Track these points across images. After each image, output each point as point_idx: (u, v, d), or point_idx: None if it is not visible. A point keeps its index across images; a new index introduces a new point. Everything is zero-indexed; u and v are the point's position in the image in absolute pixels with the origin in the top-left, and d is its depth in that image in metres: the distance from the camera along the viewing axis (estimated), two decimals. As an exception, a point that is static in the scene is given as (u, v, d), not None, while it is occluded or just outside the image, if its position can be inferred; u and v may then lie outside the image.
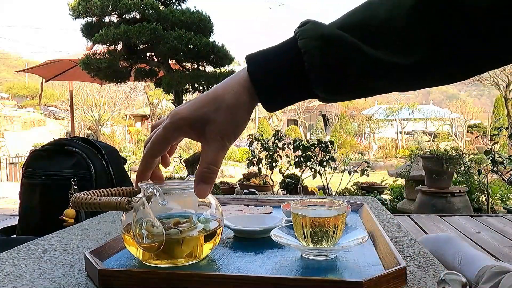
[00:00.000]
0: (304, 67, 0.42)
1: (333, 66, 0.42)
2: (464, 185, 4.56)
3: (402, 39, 0.39)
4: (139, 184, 0.57)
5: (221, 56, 3.82)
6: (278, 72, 0.44)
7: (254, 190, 4.96)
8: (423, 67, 0.40)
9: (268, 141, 4.61)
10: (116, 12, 3.72)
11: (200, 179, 0.48)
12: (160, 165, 0.58)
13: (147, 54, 3.89)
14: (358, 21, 0.42)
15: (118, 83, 3.97)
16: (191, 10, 3.79)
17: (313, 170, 4.29)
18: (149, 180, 0.55)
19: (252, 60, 0.46)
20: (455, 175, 4.49)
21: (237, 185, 5.77)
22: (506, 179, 4.01)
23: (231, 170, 10.07)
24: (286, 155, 5.15)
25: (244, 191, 5.11)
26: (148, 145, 0.50)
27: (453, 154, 4.21)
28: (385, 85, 0.43)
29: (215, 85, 0.48)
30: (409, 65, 0.39)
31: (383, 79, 0.42)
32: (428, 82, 0.43)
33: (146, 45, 3.72)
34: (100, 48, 3.80)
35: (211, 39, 3.81)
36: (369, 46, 0.40)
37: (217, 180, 6.36)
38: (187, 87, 3.85)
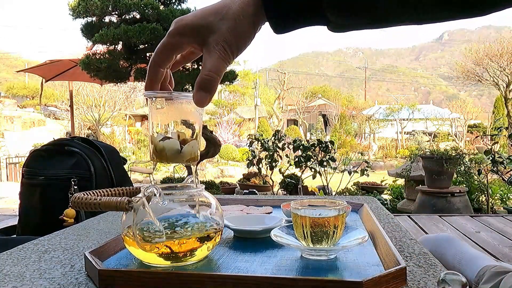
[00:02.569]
0: None
1: None
2: (464, 185, 4.56)
3: None
4: (144, 93, 0.55)
5: (221, 56, 3.82)
6: None
7: (254, 190, 4.96)
8: None
9: (268, 141, 4.61)
10: (116, 12, 3.72)
11: (200, 86, 0.46)
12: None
13: (147, 54, 3.89)
14: None
15: (118, 83, 3.97)
16: (191, 10, 3.80)
17: (313, 170, 4.29)
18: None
19: None
20: (455, 175, 4.49)
21: (237, 185, 5.77)
22: (506, 179, 4.01)
23: (231, 170, 10.07)
24: (286, 155, 5.15)
25: (244, 191, 5.11)
26: (153, 53, 0.49)
27: (453, 154, 4.21)
28: (393, 12, 0.41)
29: None
30: None
31: (391, 4, 0.40)
32: (440, 8, 0.40)
33: (146, 45, 3.71)
34: (100, 48, 3.80)
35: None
36: None
37: (217, 180, 6.36)
38: (187, 87, 3.85)
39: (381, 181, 5.80)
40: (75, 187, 1.40)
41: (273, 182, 4.89)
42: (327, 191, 4.61)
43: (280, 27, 0.44)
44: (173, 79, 0.55)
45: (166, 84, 0.54)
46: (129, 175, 1.83)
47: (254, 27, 0.45)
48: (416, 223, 3.44)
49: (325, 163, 4.25)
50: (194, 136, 0.61)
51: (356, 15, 0.42)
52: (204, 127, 4.00)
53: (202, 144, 0.63)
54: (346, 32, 0.45)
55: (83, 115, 14.16)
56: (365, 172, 4.38)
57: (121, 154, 1.77)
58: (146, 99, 0.56)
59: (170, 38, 0.47)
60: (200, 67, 0.47)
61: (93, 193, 0.62)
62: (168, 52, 0.48)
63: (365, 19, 0.43)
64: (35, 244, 0.76)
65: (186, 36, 0.46)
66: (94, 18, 3.80)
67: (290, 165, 4.79)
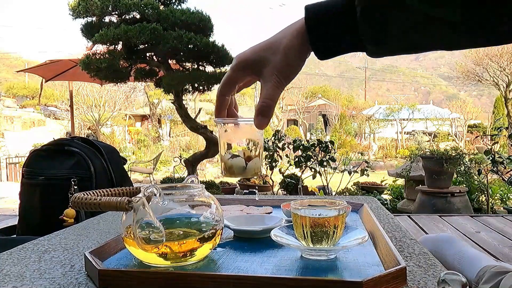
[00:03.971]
0: (356, 18, 0.45)
1: (382, 17, 0.45)
2: (464, 185, 4.56)
3: None
4: (215, 119, 0.66)
5: (221, 56, 3.82)
6: (330, 21, 0.48)
7: (255, 190, 4.96)
8: (463, 23, 0.41)
9: (268, 141, 4.61)
10: (116, 12, 3.72)
11: (259, 113, 0.54)
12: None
13: (147, 54, 3.89)
14: None
15: (118, 83, 3.97)
16: (191, 10, 3.79)
17: (313, 170, 4.29)
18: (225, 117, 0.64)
19: (309, 9, 0.49)
20: (455, 175, 4.49)
21: (237, 185, 5.77)
22: (506, 179, 4.01)
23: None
24: (286, 155, 5.15)
25: (244, 191, 5.11)
26: (219, 85, 0.57)
27: (453, 154, 4.21)
28: (426, 39, 0.45)
29: (275, 33, 0.54)
30: (449, 19, 0.41)
31: (424, 32, 0.44)
32: (468, 38, 0.44)
33: (146, 45, 3.71)
34: (100, 48, 3.80)
35: (211, 39, 3.81)
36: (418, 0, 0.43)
37: (217, 180, 6.36)
38: (187, 87, 3.84)
39: (381, 181, 5.80)
40: (75, 187, 1.40)
41: (273, 182, 4.89)
42: (327, 191, 4.61)
43: (323, 56, 0.51)
44: (237, 103, 0.65)
45: (232, 108, 0.63)
46: (129, 175, 1.83)
47: (302, 57, 0.51)
48: (416, 223, 3.44)
49: (325, 163, 4.25)
50: (257, 153, 0.71)
51: (390, 46, 0.47)
52: (204, 127, 4.00)
53: (253, 161, 0.71)
54: (383, 57, 0.51)
55: (83, 115, 14.15)
56: (365, 172, 4.38)
57: (121, 154, 1.77)
58: (216, 124, 0.67)
59: (232, 72, 0.55)
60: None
61: (93, 193, 0.62)
62: (231, 84, 0.57)
63: (396, 47, 0.48)
64: (35, 244, 0.76)
65: (245, 70, 0.54)
66: (94, 18, 3.80)
67: (290, 165, 4.79)
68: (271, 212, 0.92)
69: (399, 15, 0.44)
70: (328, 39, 0.49)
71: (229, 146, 0.70)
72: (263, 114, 0.54)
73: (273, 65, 0.51)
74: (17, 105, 19.06)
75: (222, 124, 0.68)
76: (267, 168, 4.69)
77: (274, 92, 0.52)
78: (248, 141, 0.71)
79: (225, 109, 0.61)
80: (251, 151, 0.71)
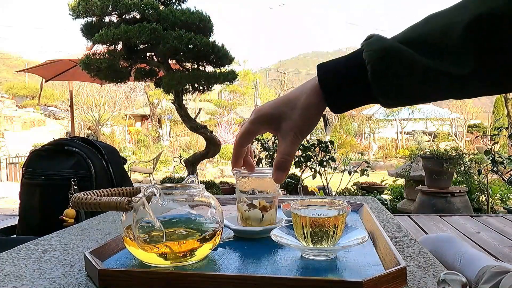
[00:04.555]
0: (367, 76, 0.48)
1: (392, 75, 0.47)
2: (464, 185, 4.55)
3: (456, 52, 0.44)
4: (233, 171, 0.71)
5: (221, 56, 3.82)
6: (344, 79, 0.50)
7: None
8: (473, 77, 0.44)
9: (268, 141, 4.61)
10: (116, 12, 3.72)
11: (277, 167, 0.56)
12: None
13: (147, 54, 3.89)
14: (417, 35, 0.47)
15: (118, 83, 3.97)
16: (191, 10, 3.79)
17: (313, 170, 4.29)
18: (242, 168, 0.69)
19: (322, 68, 0.52)
20: (455, 175, 4.49)
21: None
22: (506, 179, 4.01)
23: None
24: (286, 155, 5.14)
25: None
26: (237, 136, 0.61)
27: (453, 154, 4.21)
28: (439, 93, 0.48)
29: (292, 89, 0.57)
30: (461, 74, 0.44)
31: (437, 87, 0.47)
32: (477, 90, 0.47)
33: (146, 45, 3.71)
34: (100, 48, 3.80)
35: (211, 39, 3.80)
36: (426, 57, 0.45)
37: (217, 180, 6.36)
38: (187, 87, 3.84)
39: (381, 181, 5.80)
40: (75, 187, 1.40)
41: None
42: (327, 191, 4.61)
43: (339, 110, 0.53)
44: (252, 151, 0.70)
45: (248, 157, 0.68)
46: (129, 175, 1.83)
47: (319, 113, 0.54)
48: (416, 223, 3.44)
49: (325, 163, 4.25)
50: (273, 204, 0.76)
51: (400, 100, 0.50)
52: (204, 127, 4.00)
53: (269, 212, 0.76)
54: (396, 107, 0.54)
55: (83, 115, 14.15)
56: (365, 172, 4.38)
57: (121, 154, 1.77)
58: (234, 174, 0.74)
59: (251, 125, 0.58)
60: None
61: (93, 193, 0.62)
62: (249, 136, 0.60)
63: (409, 100, 0.51)
64: (35, 244, 0.76)
65: (264, 123, 0.57)
66: (94, 18, 3.80)
67: (290, 165, 4.78)
68: None
69: (409, 72, 0.46)
70: (343, 97, 0.51)
71: (247, 194, 0.76)
72: (281, 169, 0.56)
73: (291, 121, 0.54)
74: (16, 105, 19.05)
75: (240, 176, 0.74)
76: (267, 167, 4.69)
77: (291, 149, 0.55)
78: (265, 193, 0.75)
79: (242, 158, 0.65)
80: (267, 202, 0.76)
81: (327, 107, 0.53)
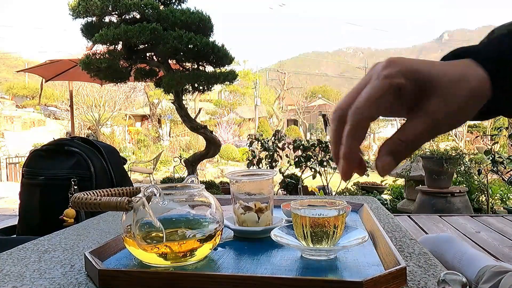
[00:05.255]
0: None
1: None
2: (464, 185, 4.55)
3: None
4: (227, 175, 0.72)
5: (221, 56, 3.82)
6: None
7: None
8: None
9: (268, 141, 4.61)
10: (116, 12, 3.72)
11: (390, 150, 0.36)
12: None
13: (147, 54, 3.89)
14: None
15: (118, 83, 3.97)
16: (191, 10, 3.79)
17: (313, 170, 4.29)
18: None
19: (472, 51, 0.38)
20: (455, 175, 4.49)
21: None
22: (506, 179, 4.01)
23: (231, 170, 10.06)
24: (286, 155, 5.15)
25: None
26: (360, 101, 0.35)
27: (453, 154, 4.21)
28: None
29: (450, 62, 0.38)
30: None
31: None
32: None
33: (146, 45, 3.71)
34: (100, 48, 3.80)
35: (211, 39, 3.81)
36: None
37: (217, 180, 6.36)
38: (187, 87, 3.84)
39: (381, 181, 5.80)
40: (75, 187, 1.40)
41: (273, 182, 4.88)
42: (327, 191, 4.61)
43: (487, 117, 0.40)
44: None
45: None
46: (129, 175, 1.83)
47: (476, 111, 0.37)
48: (416, 223, 3.44)
49: (325, 163, 4.25)
50: (268, 205, 0.76)
51: None
52: (204, 127, 4.00)
53: (265, 214, 0.74)
54: None
55: (83, 115, 14.15)
56: (365, 172, 4.37)
57: (121, 154, 1.77)
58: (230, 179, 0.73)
59: (396, 79, 0.35)
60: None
61: (93, 193, 0.62)
62: (386, 98, 0.35)
63: None
64: (35, 244, 0.76)
65: (411, 82, 0.35)
66: (94, 18, 3.80)
67: (290, 165, 4.79)
68: None
69: None
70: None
71: (242, 196, 0.75)
72: (395, 156, 0.36)
73: (445, 102, 0.35)
74: (16, 106, 19.05)
75: (234, 180, 0.74)
76: (267, 168, 4.69)
77: (424, 137, 0.36)
78: (260, 194, 0.75)
79: (359, 149, 0.37)
80: (262, 203, 0.75)
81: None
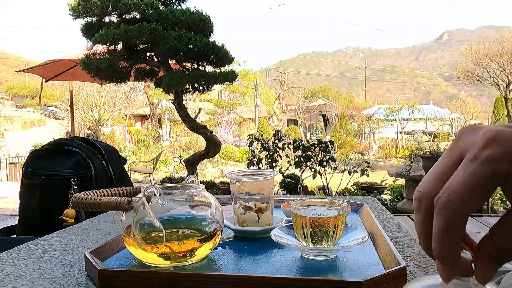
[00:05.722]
0: None
1: None
2: (464, 185, 4.55)
3: None
4: (227, 174, 0.75)
5: (221, 56, 3.82)
6: None
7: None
8: None
9: (268, 141, 4.60)
10: (116, 12, 3.72)
11: (495, 257, 0.28)
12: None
13: (147, 54, 3.89)
14: None
15: (118, 83, 3.97)
16: (191, 10, 3.79)
17: (313, 170, 4.29)
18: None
19: None
20: (455, 175, 4.48)
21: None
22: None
23: (231, 170, 10.06)
24: (286, 155, 5.15)
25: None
26: (454, 191, 0.27)
27: (453, 154, 4.21)
28: None
29: None
30: None
31: None
32: None
33: (146, 45, 3.71)
34: (100, 48, 3.80)
35: (211, 39, 3.81)
36: None
37: (217, 180, 6.36)
38: (187, 87, 3.84)
39: (381, 181, 5.80)
40: (75, 187, 1.40)
41: (273, 182, 4.88)
42: (327, 191, 4.61)
43: None
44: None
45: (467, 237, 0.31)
46: (129, 175, 1.83)
47: None
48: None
49: (325, 163, 4.25)
50: (268, 205, 0.76)
51: None
52: (204, 127, 4.00)
53: (265, 214, 0.73)
54: None
55: (83, 115, 14.15)
56: (365, 172, 4.37)
57: (121, 154, 1.77)
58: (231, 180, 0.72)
59: (500, 164, 0.26)
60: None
61: (93, 193, 0.62)
62: (489, 189, 0.27)
63: None
64: (35, 244, 0.76)
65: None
66: (94, 18, 3.80)
67: (290, 165, 4.79)
68: None
69: None
70: None
71: (242, 196, 0.75)
72: (499, 262, 0.28)
73: None
74: (16, 106, 19.05)
75: (234, 180, 0.74)
76: (267, 168, 4.69)
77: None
78: (260, 194, 0.75)
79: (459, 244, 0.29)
80: (262, 203, 0.76)
81: None
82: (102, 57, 3.61)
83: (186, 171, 4.45)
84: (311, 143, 4.33)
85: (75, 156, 1.50)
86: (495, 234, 0.28)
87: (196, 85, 3.80)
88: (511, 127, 0.28)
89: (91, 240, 0.79)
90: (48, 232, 0.85)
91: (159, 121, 17.86)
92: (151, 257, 0.59)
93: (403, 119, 18.28)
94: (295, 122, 21.58)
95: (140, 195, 0.56)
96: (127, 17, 3.79)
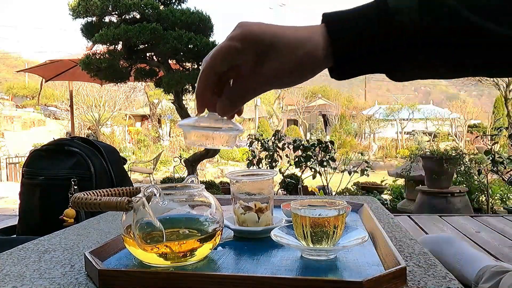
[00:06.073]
0: (392, 29, 0.38)
1: (430, 29, 0.37)
2: (464, 185, 4.55)
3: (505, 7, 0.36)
4: (227, 174, 0.73)
5: (221, 56, 3.82)
6: (360, 34, 0.39)
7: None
8: None
9: (268, 141, 4.60)
10: (116, 12, 3.72)
11: (230, 97, 0.45)
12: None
13: (147, 54, 3.89)
14: None
15: (118, 83, 3.97)
16: (191, 10, 3.79)
17: (313, 170, 4.29)
18: (206, 111, 0.49)
19: (331, 17, 0.41)
20: (455, 175, 4.49)
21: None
22: (506, 179, 4.01)
23: (231, 170, 10.07)
24: (286, 155, 5.15)
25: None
26: (208, 56, 0.44)
27: (453, 154, 4.21)
28: (477, 58, 0.39)
29: (298, 26, 0.43)
30: (506, 34, 0.36)
31: (478, 49, 0.38)
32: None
33: (146, 45, 3.72)
34: (100, 48, 3.80)
35: (211, 39, 3.81)
36: (469, 10, 0.36)
37: (217, 180, 6.36)
38: (187, 87, 3.85)
39: (381, 181, 5.80)
40: (75, 187, 1.40)
41: (273, 182, 4.88)
42: (327, 191, 4.61)
43: (346, 74, 0.42)
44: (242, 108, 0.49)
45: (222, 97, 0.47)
46: (129, 175, 1.83)
47: (315, 72, 0.42)
48: (416, 223, 3.44)
49: (325, 163, 4.25)
50: (268, 205, 0.76)
51: (431, 65, 0.40)
52: (204, 127, 4.00)
53: (265, 214, 0.76)
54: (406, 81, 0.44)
55: (83, 115, 14.16)
56: (365, 172, 4.37)
57: (121, 154, 1.77)
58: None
59: (235, 42, 0.42)
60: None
61: (93, 193, 0.62)
62: (228, 56, 0.42)
63: (439, 67, 0.40)
64: (35, 244, 0.76)
65: (251, 45, 0.42)
66: (94, 18, 3.80)
67: (290, 165, 4.79)
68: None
69: (453, 30, 0.37)
70: (356, 60, 0.40)
71: (242, 196, 0.76)
72: (233, 103, 0.45)
73: (280, 64, 0.41)
74: (16, 106, 19.05)
75: (234, 180, 0.75)
76: (267, 168, 4.69)
77: (256, 93, 0.44)
78: (260, 194, 0.76)
79: (211, 94, 0.46)
80: (262, 203, 0.76)
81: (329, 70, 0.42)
82: (102, 57, 3.61)
83: (186, 171, 4.45)
84: (311, 143, 4.33)
85: (75, 156, 1.50)
86: (233, 85, 0.45)
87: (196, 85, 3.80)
88: (260, 23, 0.42)
89: (91, 240, 0.79)
90: (48, 232, 0.85)
91: (159, 121, 17.86)
92: (151, 257, 0.59)
93: (403, 119, 18.28)
94: (295, 122, 21.58)
95: (140, 195, 0.56)
96: (127, 17, 3.79)
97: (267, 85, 0.43)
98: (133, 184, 1.53)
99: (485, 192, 4.48)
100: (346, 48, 0.40)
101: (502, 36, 0.36)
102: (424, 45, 0.38)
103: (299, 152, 4.34)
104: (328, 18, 0.41)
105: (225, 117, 0.48)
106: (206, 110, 0.49)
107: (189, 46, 3.56)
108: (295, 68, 0.41)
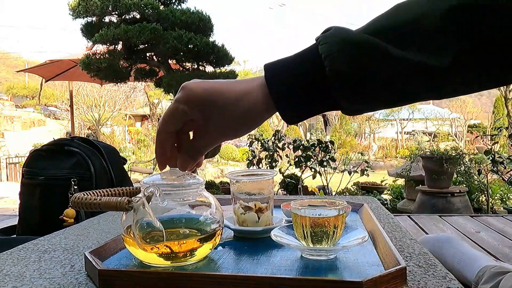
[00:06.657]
0: (325, 74, 0.39)
1: (358, 70, 0.39)
2: (464, 185, 4.55)
3: (434, 39, 0.37)
4: (227, 174, 0.74)
5: (221, 56, 3.82)
6: (297, 81, 0.41)
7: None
8: (455, 69, 0.37)
9: (268, 141, 4.61)
10: (116, 12, 3.72)
11: (187, 152, 0.50)
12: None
13: (147, 54, 3.89)
14: (385, 24, 0.40)
15: (118, 83, 3.97)
16: (191, 10, 3.79)
17: (313, 170, 4.29)
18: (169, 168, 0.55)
19: (270, 68, 0.43)
20: (455, 175, 4.49)
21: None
22: (506, 179, 4.01)
23: (231, 170, 10.07)
24: (286, 155, 5.15)
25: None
26: (161, 119, 0.49)
27: (453, 154, 4.21)
28: (414, 90, 0.40)
29: (238, 80, 0.47)
30: (440, 66, 0.37)
31: (412, 83, 0.39)
32: (460, 87, 0.40)
33: (146, 45, 3.72)
34: (100, 48, 3.80)
35: (211, 39, 3.81)
36: (398, 47, 0.38)
37: (217, 180, 6.36)
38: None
39: (381, 181, 5.80)
40: (75, 187, 1.40)
41: (273, 182, 4.88)
42: (327, 191, 4.61)
43: (293, 120, 0.44)
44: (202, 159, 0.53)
45: (182, 152, 0.52)
46: (129, 175, 1.83)
47: (261, 121, 0.45)
48: (416, 223, 3.44)
49: (325, 163, 4.25)
50: (268, 205, 0.76)
51: (368, 101, 0.42)
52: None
53: (265, 214, 0.76)
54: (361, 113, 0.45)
55: (83, 115, 14.15)
56: (365, 172, 4.38)
57: (121, 154, 1.77)
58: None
59: (181, 104, 0.46)
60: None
61: (93, 193, 0.62)
62: (177, 117, 0.47)
63: (378, 102, 0.42)
64: (35, 244, 0.76)
65: (195, 107, 0.45)
66: (94, 18, 3.80)
67: (290, 165, 4.79)
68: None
69: (379, 65, 0.38)
70: (295, 104, 0.42)
71: (243, 196, 0.76)
72: (192, 156, 0.50)
73: (225, 120, 0.45)
74: (15, 106, 19.05)
75: (234, 180, 0.75)
76: (267, 168, 4.69)
77: (211, 146, 0.49)
78: (260, 194, 0.76)
79: (169, 150, 0.51)
80: (262, 203, 0.76)
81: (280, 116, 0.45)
82: (102, 57, 3.61)
83: (186, 171, 4.45)
84: (311, 143, 4.33)
85: (75, 156, 1.50)
86: (190, 140, 0.50)
87: (196, 85, 3.80)
88: (201, 82, 0.46)
89: (91, 240, 0.79)
90: (48, 232, 0.85)
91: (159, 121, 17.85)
92: (151, 257, 0.59)
93: (403, 119, 18.28)
94: (295, 122, 21.55)
95: (140, 195, 0.56)
96: (127, 17, 3.79)
97: (218, 139, 0.47)
98: (133, 184, 1.53)
99: (485, 192, 4.48)
100: (283, 96, 0.42)
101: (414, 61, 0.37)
102: (350, 86, 0.39)
103: (299, 152, 4.35)
104: (266, 67, 0.44)
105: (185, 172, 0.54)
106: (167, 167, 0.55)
107: (189, 46, 3.56)
108: (239, 123, 0.45)
